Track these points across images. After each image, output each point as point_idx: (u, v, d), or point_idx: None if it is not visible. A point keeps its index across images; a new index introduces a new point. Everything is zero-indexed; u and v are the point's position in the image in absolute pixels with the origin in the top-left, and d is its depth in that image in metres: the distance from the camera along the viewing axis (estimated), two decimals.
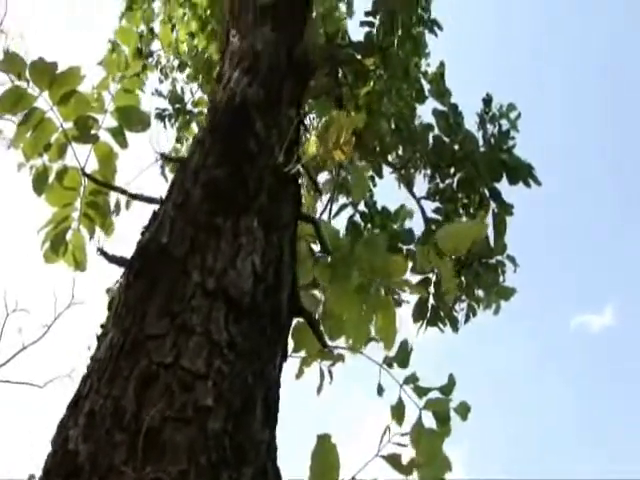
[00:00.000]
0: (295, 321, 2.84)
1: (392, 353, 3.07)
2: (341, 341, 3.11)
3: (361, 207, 7.65)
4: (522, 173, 6.64)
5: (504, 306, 7.55)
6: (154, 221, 2.12)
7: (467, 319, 7.40)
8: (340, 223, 7.79)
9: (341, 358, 2.95)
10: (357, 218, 7.58)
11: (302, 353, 3.00)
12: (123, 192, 2.86)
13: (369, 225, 7.28)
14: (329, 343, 3.00)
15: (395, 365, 3.05)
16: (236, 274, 1.96)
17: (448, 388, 2.90)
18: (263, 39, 2.73)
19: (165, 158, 2.76)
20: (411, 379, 2.93)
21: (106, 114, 3.10)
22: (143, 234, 2.12)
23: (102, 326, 2.05)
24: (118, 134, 3.11)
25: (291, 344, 2.83)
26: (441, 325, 7.39)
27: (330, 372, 2.96)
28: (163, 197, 2.31)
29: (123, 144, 3.12)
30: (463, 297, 7.34)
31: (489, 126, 7.27)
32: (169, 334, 1.81)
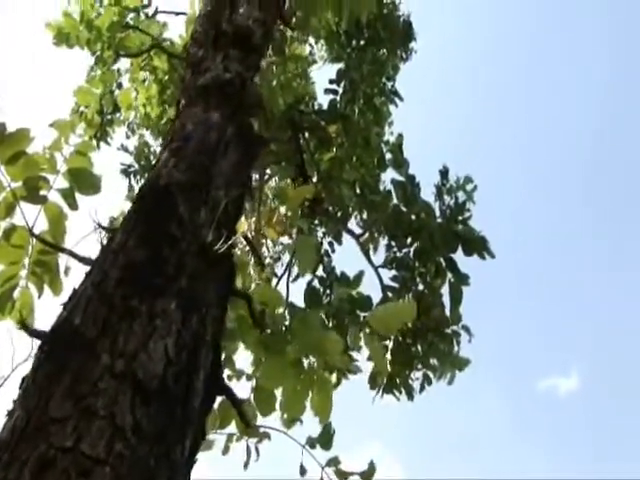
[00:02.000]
0: (222, 398, 2.86)
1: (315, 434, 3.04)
2: (272, 417, 3.11)
3: (320, 272, 7.78)
4: (476, 245, 6.77)
5: (476, 367, 7.58)
6: (72, 299, 2.13)
7: (422, 388, 7.38)
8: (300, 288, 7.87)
9: (267, 436, 2.92)
10: (316, 283, 7.70)
11: (233, 429, 2.99)
12: (71, 254, 2.84)
13: (327, 291, 7.35)
14: (260, 419, 3.00)
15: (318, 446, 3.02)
16: (147, 357, 1.96)
17: (369, 473, 2.88)
18: (194, 120, 2.79)
19: (102, 228, 2.77)
20: (333, 462, 2.91)
21: (58, 175, 3.09)
22: (62, 312, 2.12)
23: (13, 402, 2.03)
24: (69, 196, 3.09)
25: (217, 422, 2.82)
26: (397, 393, 7.42)
27: (257, 449, 2.92)
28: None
29: (73, 206, 3.10)
30: (419, 366, 7.37)
31: (446, 197, 7.46)
32: (72, 417, 1.79)
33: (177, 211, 2.33)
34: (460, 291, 6.84)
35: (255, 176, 6.82)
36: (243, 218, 2.73)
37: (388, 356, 6.85)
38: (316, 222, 7.89)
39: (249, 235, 3.28)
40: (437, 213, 7.25)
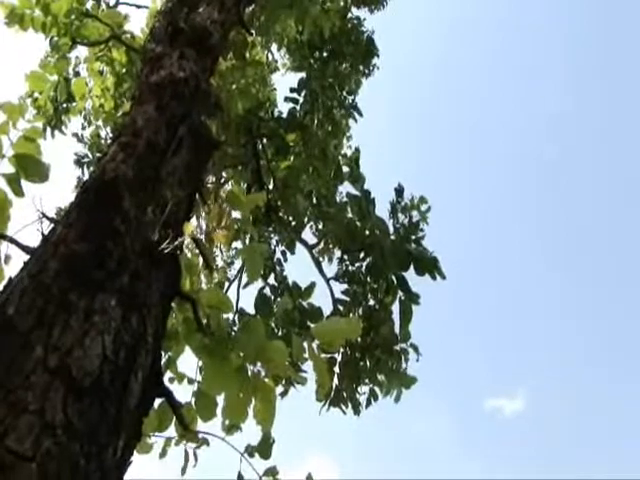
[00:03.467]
0: (161, 401, 2.82)
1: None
2: (212, 423, 3.08)
3: (272, 281, 7.78)
4: (428, 265, 6.88)
5: (423, 384, 7.66)
6: (6, 289, 2.08)
7: (369, 403, 7.42)
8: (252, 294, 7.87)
9: (205, 442, 2.89)
10: (267, 291, 7.70)
11: (172, 432, 2.95)
12: (12, 242, 2.75)
13: (279, 299, 7.35)
14: (200, 424, 2.97)
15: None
16: (82, 353, 1.93)
17: None
18: (146, 116, 2.77)
19: (46, 218, 2.70)
20: (271, 471, 2.90)
21: (3, 159, 2.99)
22: None
23: None
24: (14, 182, 2.97)
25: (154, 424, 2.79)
26: (343, 407, 7.43)
27: (195, 454, 2.89)
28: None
29: (19, 192, 3.00)
30: (366, 381, 7.41)
31: (400, 215, 7.56)
32: None
33: (122, 206, 2.31)
34: (410, 309, 6.94)
35: (210, 178, 6.79)
36: (194, 220, 2.72)
37: (336, 369, 6.88)
38: (270, 229, 7.90)
39: (198, 237, 3.26)
40: (391, 230, 7.36)
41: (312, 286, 7.07)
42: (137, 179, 2.42)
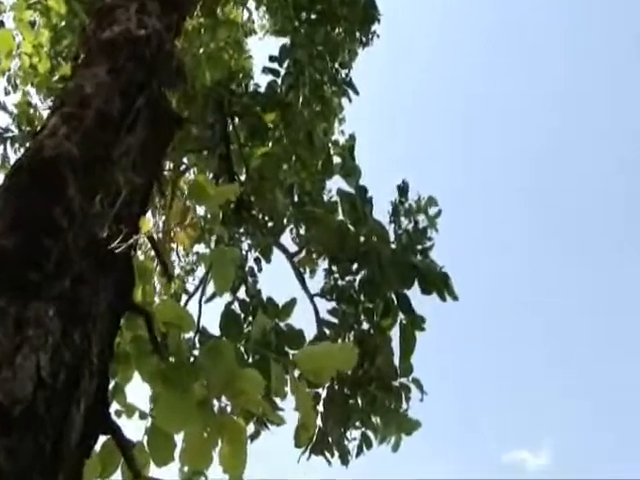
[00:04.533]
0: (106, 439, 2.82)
1: None
2: (170, 468, 3.09)
3: (242, 294, 7.80)
4: (437, 282, 6.92)
5: (430, 426, 7.72)
6: None
7: (360, 451, 7.43)
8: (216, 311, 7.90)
9: None
10: (236, 307, 7.70)
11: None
12: None
13: (250, 318, 7.36)
14: (154, 468, 2.97)
15: None
16: (12, 374, 1.92)
17: None
18: (95, 82, 2.77)
19: None
20: None
21: None
22: None
23: None
24: None
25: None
26: (328, 455, 7.43)
27: None
28: None
29: None
30: (357, 423, 7.43)
31: (403, 220, 7.62)
32: None
33: (64, 192, 2.30)
34: (413, 336, 6.96)
35: (168, 164, 6.77)
36: (149, 214, 2.73)
37: (320, 408, 6.90)
38: (241, 231, 7.91)
39: (155, 237, 3.26)
40: (391, 237, 7.42)
41: (292, 303, 7.08)
42: (84, 160, 2.41)
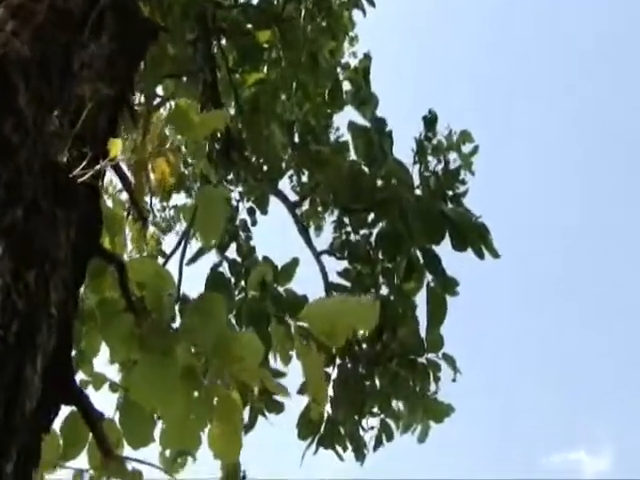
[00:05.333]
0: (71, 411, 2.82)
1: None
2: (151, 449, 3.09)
3: (232, 253, 7.78)
4: (473, 235, 6.87)
5: (466, 412, 7.72)
6: None
7: (378, 443, 7.45)
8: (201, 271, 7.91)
9: (138, 477, 2.89)
10: (225, 269, 7.69)
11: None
12: None
13: (242, 282, 7.34)
14: (127, 450, 2.97)
15: None
16: None
17: None
18: None
19: None
20: None
21: None
22: None
23: None
24: None
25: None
26: (339, 448, 7.44)
27: None
28: None
29: None
30: (375, 409, 7.43)
31: (431, 159, 7.55)
32: None
33: (15, 102, 2.25)
34: (443, 302, 6.95)
35: (139, 97, 6.66)
36: (119, 140, 2.68)
37: (330, 391, 6.90)
38: (230, 177, 7.86)
39: (126, 170, 3.19)
40: (416, 181, 7.36)
41: (294, 264, 7.06)
42: (36, 63, 2.36)
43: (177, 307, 3.61)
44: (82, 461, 3.04)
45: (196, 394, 3.16)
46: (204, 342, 3.11)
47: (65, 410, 2.71)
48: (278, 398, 6.67)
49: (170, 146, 2.91)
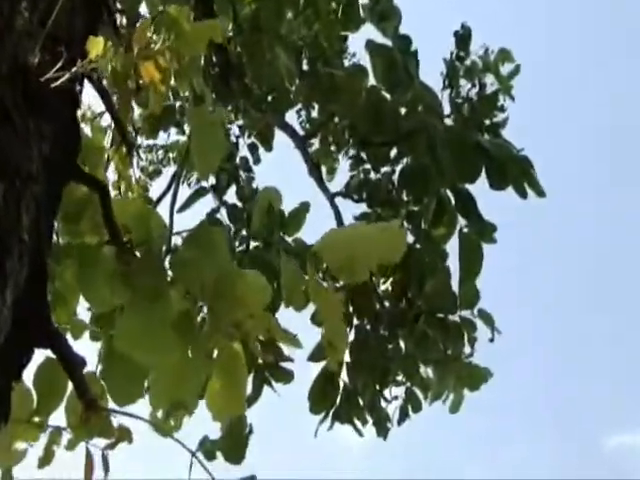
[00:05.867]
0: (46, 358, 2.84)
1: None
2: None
3: (231, 197, 7.78)
4: (513, 171, 6.84)
5: (503, 379, 7.73)
6: None
7: (403, 416, 7.47)
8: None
9: (126, 435, 2.92)
10: (222, 215, 7.69)
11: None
12: None
13: (243, 231, 7.35)
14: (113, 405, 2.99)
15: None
16: None
17: None
18: None
19: None
20: None
21: None
22: None
23: None
24: None
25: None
26: (358, 422, 7.47)
27: (106, 460, 2.92)
28: None
29: None
30: (399, 376, 7.45)
31: (464, 83, 7.50)
32: None
33: None
34: (478, 251, 6.94)
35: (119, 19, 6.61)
36: (100, 39, 2.66)
37: (346, 356, 6.93)
38: (229, 108, 7.83)
39: (106, 81, 3.17)
40: (446, 109, 7.33)
41: (303, 209, 7.07)
42: None
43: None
44: (59, 418, 3.08)
45: (191, 343, 3.19)
46: (202, 280, 3.12)
47: (39, 356, 2.74)
48: (286, 365, 6.75)
49: (160, 48, 2.88)
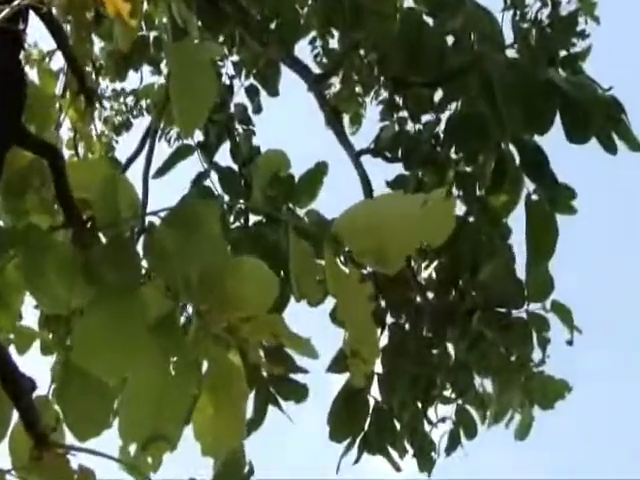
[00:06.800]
0: None
1: None
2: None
3: (224, 158, 7.79)
4: (598, 118, 6.82)
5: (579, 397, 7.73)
6: None
7: (453, 443, 7.51)
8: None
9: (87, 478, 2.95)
10: (213, 182, 7.70)
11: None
12: None
13: (240, 204, 7.37)
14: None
15: None
16: None
17: None
18: None
19: None
20: None
21: None
22: None
23: None
24: None
25: None
26: (394, 452, 7.48)
27: None
28: None
29: None
30: (447, 391, 7.47)
31: (531, 2, 7.50)
32: None
33: None
34: (551, 225, 6.94)
35: None
36: None
37: (377, 366, 6.96)
38: (220, 40, 7.84)
39: (57, 11, 3.18)
40: (508, 37, 7.32)
41: (320, 173, 7.09)
42: None
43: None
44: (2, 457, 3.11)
45: (174, 353, 3.21)
46: (187, 271, 3.13)
47: None
48: (298, 379, 6.77)
49: None
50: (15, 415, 2.94)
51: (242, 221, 7.33)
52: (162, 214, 3.39)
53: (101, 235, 3.28)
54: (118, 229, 3.28)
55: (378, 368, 7.25)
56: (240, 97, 8.30)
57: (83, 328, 3.12)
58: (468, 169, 7.23)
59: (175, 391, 3.20)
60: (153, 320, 3.16)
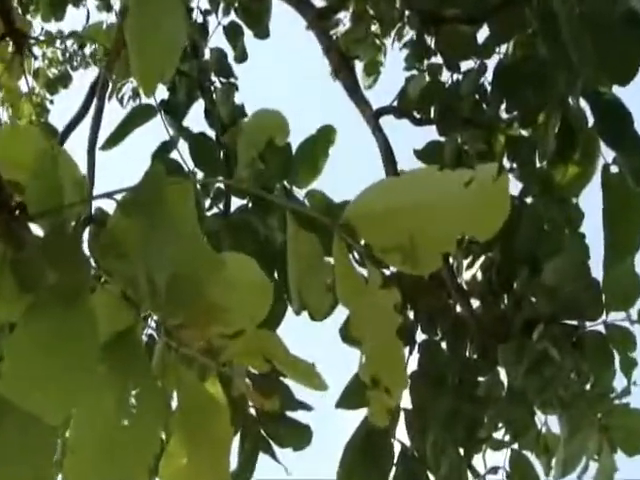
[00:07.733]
0: None
1: None
2: None
3: (196, 122, 7.82)
4: None
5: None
6: None
7: None
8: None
9: None
10: (181, 154, 7.73)
11: None
12: None
13: (219, 182, 7.40)
14: None
15: None
16: None
17: None
18: None
19: None
20: None
21: None
22: None
23: None
24: None
25: None
26: None
27: None
28: None
29: None
30: (499, 431, 7.50)
31: None
32: None
33: None
34: (638, 206, 6.93)
35: None
36: None
37: (405, 396, 7.00)
38: None
39: None
40: None
41: (325, 140, 7.11)
42: None
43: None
44: None
45: (137, 383, 3.24)
46: (150, 272, 3.16)
47: None
48: (298, 418, 6.78)
49: None
50: None
51: (222, 206, 7.35)
52: (116, 197, 3.42)
53: (36, 226, 3.31)
54: (58, 218, 3.30)
55: (405, 402, 7.28)
56: (218, 40, 8.32)
57: (14, 349, 3.14)
58: (524, 133, 7.26)
59: (136, 432, 3.22)
60: (106, 338, 3.19)
